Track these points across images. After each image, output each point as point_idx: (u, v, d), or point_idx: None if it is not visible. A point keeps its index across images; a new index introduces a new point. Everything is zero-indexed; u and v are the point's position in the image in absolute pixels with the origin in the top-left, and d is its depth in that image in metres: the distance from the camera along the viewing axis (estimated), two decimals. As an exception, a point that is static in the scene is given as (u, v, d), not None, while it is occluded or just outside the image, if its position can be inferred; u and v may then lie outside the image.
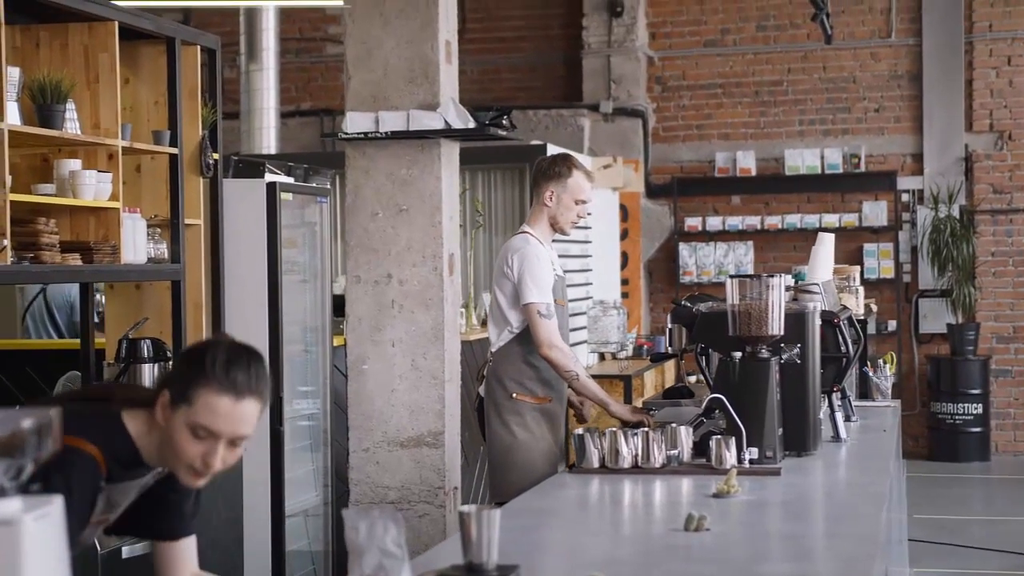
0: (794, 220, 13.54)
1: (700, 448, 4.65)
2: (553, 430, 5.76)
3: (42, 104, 5.33)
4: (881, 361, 6.85)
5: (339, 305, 6.88)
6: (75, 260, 5.42)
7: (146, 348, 5.82)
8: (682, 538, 3.46)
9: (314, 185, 7.90)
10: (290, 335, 7.20)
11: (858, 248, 13.40)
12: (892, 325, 13.36)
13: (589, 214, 6.09)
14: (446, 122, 5.89)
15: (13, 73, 5.25)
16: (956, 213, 13.19)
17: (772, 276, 4.73)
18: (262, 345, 6.90)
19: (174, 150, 6.15)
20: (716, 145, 13.92)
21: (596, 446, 4.57)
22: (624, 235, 13.18)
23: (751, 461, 4.55)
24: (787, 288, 5.10)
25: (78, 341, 6.27)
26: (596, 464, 4.56)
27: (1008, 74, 13.38)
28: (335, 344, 7.54)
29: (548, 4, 14.37)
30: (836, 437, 5.33)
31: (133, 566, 4.86)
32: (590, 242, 11.03)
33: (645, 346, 11.30)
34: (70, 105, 5.46)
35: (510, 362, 5.70)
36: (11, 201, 5.09)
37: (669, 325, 5.49)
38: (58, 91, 5.34)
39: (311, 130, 14.08)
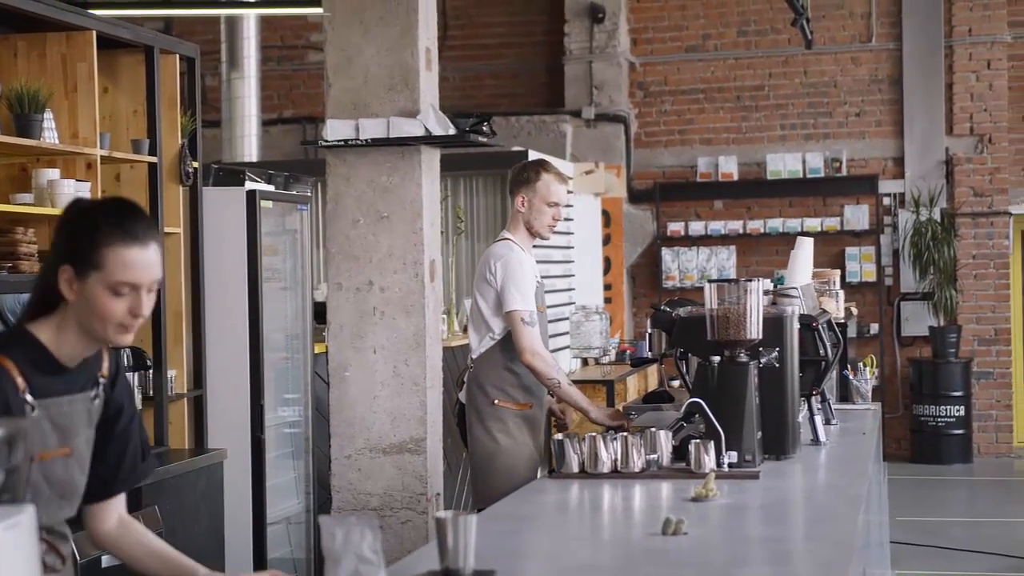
0: (776, 224, 13.57)
1: (680, 452, 4.65)
2: (534, 436, 5.79)
3: (20, 114, 5.33)
4: (861, 364, 6.86)
5: (320, 312, 6.88)
6: (54, 269, 5.41)
7: (126, 357, 5.80)
8: (660, 542, 3.47)
9: (294, 193, 7.90)
10: (271, 342, 7.20)
11: (840, 252, 13.43)
12: (874, 328, 13.39)
13: (570, 218, 6.11)
14: (426, 129, 5.90)
15: (-10, 83, 5.26)
16: (937, 216, 13.24)
17: (750, 280, 4.74)
18: (243, 352, 6.90)
19: (153, 159, 6.15)
20: (698, 150, 13.95)
21: (576, 451, 4.57)
22: (607, 240, 13.20)
23: (730, 465, 4.56)
24: (766, 292, 5.11)
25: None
26: (576, 469, 4.56)
27: (988, 78, 13.44)
28: (317, 351, 7.54)
29: (530, 11, 14.39)
30: (815, 440, 5.34)
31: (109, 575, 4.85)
32: (572, 247, 11.04)
33: (628, 351, 11.31)
34: (48, 115, 5.47)
35: (491, 368, 5.75)
36: (-11, 211, 5.10)
37: (649, 330, 5.50)
38: (36, 100, 5.35)
39: (293, 138, 14.08)
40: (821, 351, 5.38)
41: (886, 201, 13.61)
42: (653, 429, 4.70)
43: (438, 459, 6.11)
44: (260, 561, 6.97)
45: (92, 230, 2.83)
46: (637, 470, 4.53)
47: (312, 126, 13.94)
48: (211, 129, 11.54)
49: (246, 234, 6.86)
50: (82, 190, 5.59)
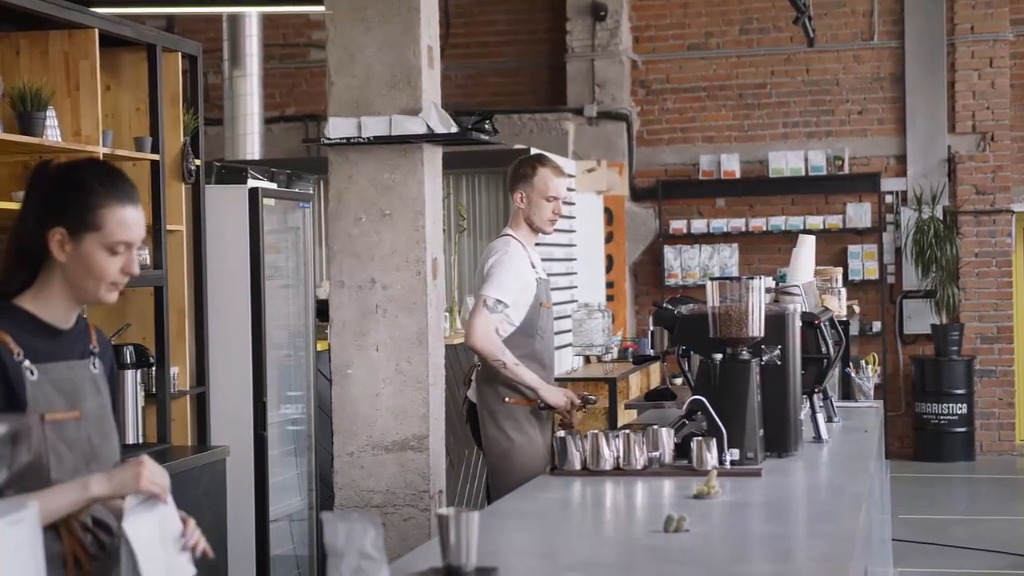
0: (778, 222, 13.57)
1: (682, 450, 4.66)
2: (543, 431, 5.83)
3: (23, 111, 5.34)
4: (863, 362, 6.87)
5: (323, 310, 6.89)
6: (56, 267, 5.41)
7: (129, 354, 5.81)
8: (662, 539, 3.47)
9: (296, 191, 7.90)
10: (274, 340, 7.21)
11: (842, 250, 13.43)
12: (876, 326, 13.39)
13: (572, 216, 6.09)
14: (428, 127, 5.90)
15: (-7, 81, 5.26)
16: (939, 214, 13.24)
17: (752, 278, 4.74)
18: (246, 350, 6.91)
19: (156, 157, 6.15)
20: (700, 148, 13.95)
21: (578, 448, 4.57)
22: (609, 238, 13.20)
23: (732, 462, 4.56)
24: (768, 290, 5.12)
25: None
26: (578, 466, 4.56)
27: (990, 76, 13.43)
28: (319, 349, 7.55)
29: (532, 9, 14.39)
30: (818, 438, 5.35)
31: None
32: (575, 245, 11.05)
33: (630, 348, 11.31)
34: (51, 112, 5.47)
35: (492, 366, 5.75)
36: (-8, 209, 5.10)
37: (651, 327, 5.50)
38: (38, 98, 5.35)
39: (295, 136, 14.09)
40: (823, 349, 5.38)
41: (888, 199, 13.60)
42: (655, 426, 4.70)
43: (441, 456, 6.11)
44: (262, 558, 6.98)
45: (87, 192, 2.91)
46: (639, 467, 4.53)
47: (314, 124, 13.94)
48: (213, 127, 11.54)
49: (248, 232, 6.87)
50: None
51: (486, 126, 6.21)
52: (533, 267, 5.88)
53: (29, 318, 2.94)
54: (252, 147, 11.90)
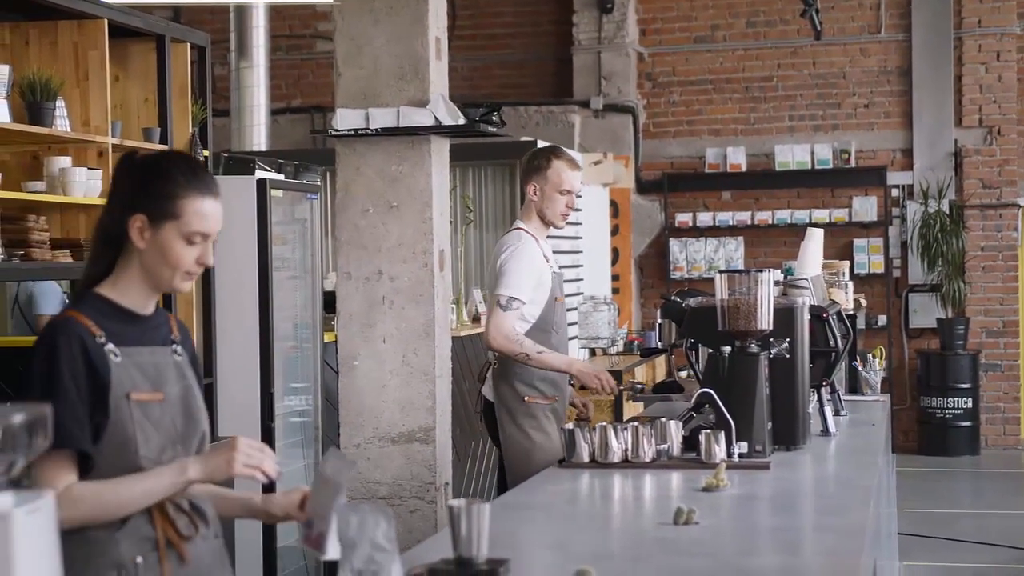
0: (784, 216, 13.57)
1: (690, 442, 4.66)
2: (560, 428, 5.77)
3: (32, 101, 5.34)
4: (870, 356, 6.87)
5: (330, 301, 6.89)
6: (65, 257, 5.42)
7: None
8: (671, 532, 3.47)
9: (304, 182, 7.91)
10: (281, 332, 7.21)
11: (848, 243, 13.43)
12: (882, 320, 13.39)
13: (579, 209, 6.02)
14: (436, 119, 5.89)
15: (3, 70, 5.25)
16: (946, 208, 13.23)
17: (761, 271, 4.73)
18: (253, 341, 6.92)
19: (164, 147, 6.15)
20: (706, 141, 13.95)
21: (586, 440, 4.57)
22: (615, 231, 13.20)
23: (740, 455, 4.56)
24: (776, 283, 5.11)
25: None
26: (586, 458, 4.56)
27: (997, 69, 13.42)
28: (326, 340, 7.55)
29: (538, 1, 14.39)
30: (825, 431, 5.34)
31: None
32: (581, 238, 11.05)
33: (636, 341, 11.31)
34: (60, 103, 5.47)
35: (517, 364, 5.66)
36: (1, 198, 5.10)
37: (659, 320, 5.50)
38: (48, 88, 5.35)
39: (302, 127, 14.09)
40: (831, 342, 5.38)
41: (894, 193, 13.60)
42: (663, 419, 4.70)
43: (447, 448, 6.11)
44: (268, 549, 6.98)
45: (169, 181, 2.98)
46: (647, 460, 4.53)
47: (320, 115, 13.95)
48: (220, 118, 11.53)
49: (256, 223, 6.87)
50: (94, 178, 5.60)
51: (494, 118, 6.21)
52: (547, 261, 5.81)
53: (108, 304, 3.01)
54: (259, 138, 11.90)
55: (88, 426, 2.90)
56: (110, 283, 3.03)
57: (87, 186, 5.56)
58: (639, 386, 5.75)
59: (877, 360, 6.83)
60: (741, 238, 13.73)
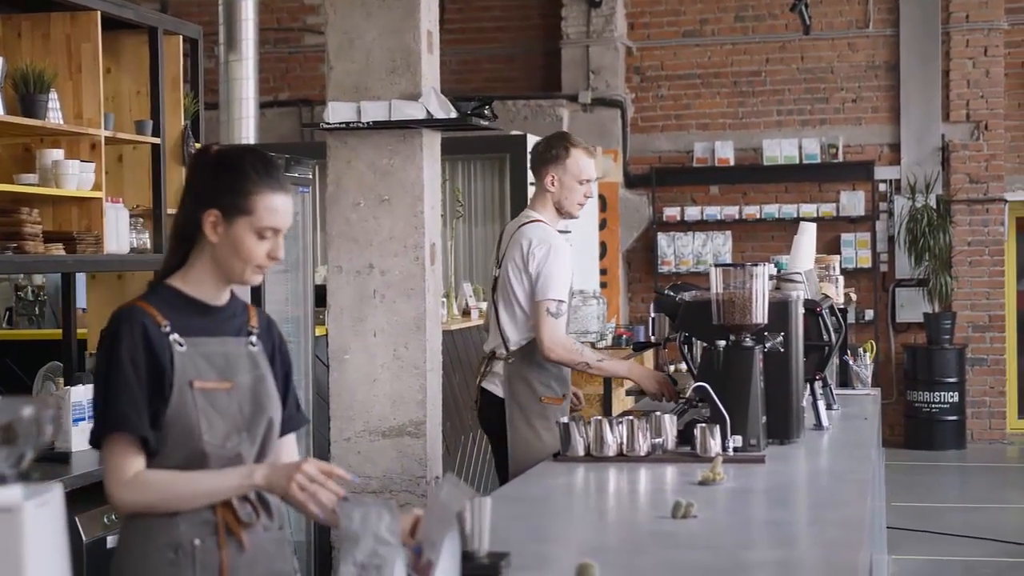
0: (772, 210, 13.59)
1: (684, 436, 4.66)
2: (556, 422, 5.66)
3: (25, 94, 5.32)
4: (861, 350, 6.88)
5: (321, 295, 6.87)
6: (58, 250, 5.40)
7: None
8: (670, 525, 3.48)
9: (295, 175, 7.88)
10: (272, 325, 7.17)
11: (835, 238, 13.45)
12: (869, 314, 13.42)
13: (591, 197, 5.82)
14: (428, 112, 5.89)
15: (-4, 63, 5.24)
16: (933, 203, 13.26)
17: (756, 265, 4.74)
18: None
19: (156, 140, 6.14)
20: (694, 135, 13.95)
21: (581, 434, 4.57)
22: (603, 225, 13.21)
23: (735, 449, 4.56)
24: (770, 277, 5.11)
25: (60, 332, 6.25)
26: (581, 452, 4.56)
27: (985, 64, 13.44)
28: (317, 334, 7.53)
29: (527, -6, 14.38)
30: (818, 425, 5.35)
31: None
32: (569, 231, 11.03)
33: (624, 335, 11.32)
34: (53, 95, 5.45)
35: (535, 361, 5.47)
36: (-6, 191, 5.09)
37: (652, 314, 5.48)
38: (41, 81, 5.33)
39: (289, 120, 14.07)
40: (825, 336, 5.38)
41: (882, 187, 13.62)
42: (658, 413, 4.71)
43: (437, 442, 6.11)
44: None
45: (242, 177, 3.02)
46: (642, 454, 4.53)
47: (308, 109, 13.93)
48: (208, 111, 11.49)
49: (247, 216, 6.83)
50: (87, 171, 5.59)
51: (485, 112, 6.21)
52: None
53: (179, 295, 3.07)
54: (247, 131, 11.80)
55: (146, 412, 2.97)
56: (181, 275, 3.09)
57: (80, 178, 5.54)
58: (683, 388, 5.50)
59: (868, 354, 6.84)
60: (729, 232, 13.74)
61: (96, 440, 3.02)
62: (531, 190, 10.52)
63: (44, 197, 5.52)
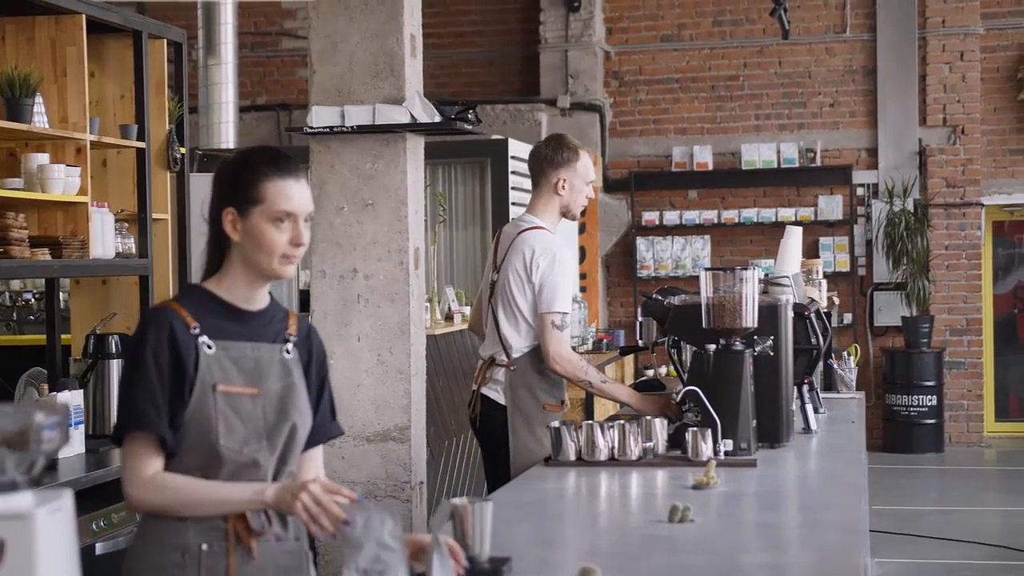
0: (751, 214, 13.61)
1: (674, 440, 4.66)
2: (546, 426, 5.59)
3: (10, 98, 5.28)
4: (845, 353, 6.89)
5: (304, 300, 6.86)
6: (44, 255, 5.37)
7: (114, 343, 5.76)
8: (666, 529, 3.47)
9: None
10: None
11: (814, 242, 13.48)
12: (847, 318, 13.45)
13: (591, 198, 5.75)
14: (412, 116, 5.88)
15: (-21, 67, 5.20)
16: (910, 207, 13.31)
17: (746, 269, 4.74)
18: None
19: (141, 144, 6.10)
20: (673, 140, 13.97)
21: (572, 439, 4.56)
22: (582, 229, 13.21)
23: (726, 453, 4.57)
24: (759, 280, 5.11)
25: (44, 337, 6.21)
26: (572, 457, 4.55)
27: (961, 69, 13.50)
28: (300, 339, 7.50)
29: (505, -1, 14.38)
30: (807, 429, 5.36)
31: (104, 562, 4.82)
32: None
33: (604, 340, 11.33)
34: (38, 99, 5.41)
35: (538, 369, 5.36)
36: (-23, 195, 5.05)
37: (639, 318, 5.47)
38: (27, 85, 5.29)
39: (267, 125, 14.03)
40: (813, 340, 5.39)
41: (860, 191, 13.67)
42: (647, 417, 4.71)
43: (422, 447, 6.10)
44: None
45: (249, 171, 3.06)
46: (634, 458, 4.53)
47: (286, 113, 13.90)
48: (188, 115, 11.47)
49: (231, 221, 6.81)
50: (72, 175, 5.55)
51: (469, 116, 6.20)
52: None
53: (212, 299, 3.09)
54: (227, 136, 11.81)
55: (166, 411, 2.98)
56: (216, 279, 3.11)
57: (65, 183, 5.50)
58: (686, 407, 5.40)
59: (852, 358, 6.86)
60: (707, 237, 13.77)
61: (117, 438, 3.05)
62: (513, 194, 10.59)
63: (29, 202, 5.48)
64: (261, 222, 3.03)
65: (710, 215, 13.71)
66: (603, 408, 9.94)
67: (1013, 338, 14.13)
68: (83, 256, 5.60)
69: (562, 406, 5.49)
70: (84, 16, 5.68)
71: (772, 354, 4.88)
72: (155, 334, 3.01)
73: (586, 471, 4.46)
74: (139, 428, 2.98)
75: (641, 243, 13.82)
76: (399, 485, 5.95)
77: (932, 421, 13.20)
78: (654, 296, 5.38)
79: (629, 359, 11.57)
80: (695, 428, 4.55)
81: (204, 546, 3.00)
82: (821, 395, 6.16)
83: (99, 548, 4.75)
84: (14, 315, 9.01)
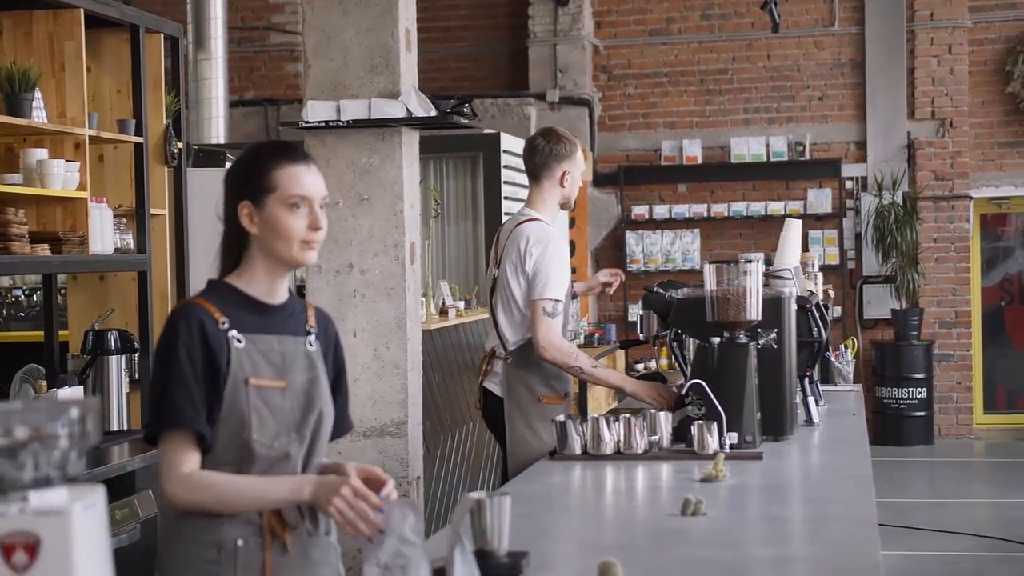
0: (740, 208, 13.62)
1: (678, 433, 4.66)
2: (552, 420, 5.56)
3: (9, 93, 5.25)
4: (843, 346, 6.90)
5: (300, 295, 6.83)
6: (44, 251, 5.34)
7: (113, 339, 5.74)
8: (680, 522, 3.47)
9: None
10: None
11: (803, 235, 13.44)
12: (837, 311, 13.47)
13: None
14: (408, 110, 5.86)
15: (-23, 61, 5.17)
16: (899, 200, 13.33)
17: (750, 261, 4.74)
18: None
19: (139, 139, 6.07)
20: (662, 134, 13.97)
21: (578, 433, 4.56)
22: (571, 223, 13.19)
23: (731, 446, 4.56)
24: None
25: (35, 334, 6.19)
26: (578, 451, 4.55)
27: (949, 62, 13.52)
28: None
29: (493, -7, 14.35)
30: (809, 421, 5.37)
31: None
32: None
33: (596, 334, 11.32)
34: (37, 94, 5.39)
35: (533, 361, 5.35)
36: (-24, 191, 5.02)
37: (640, 312, 5.46)
38: (26, 79, 5.27)
39: (255, 120, 13.99)
40: (815, 332, 5.39)
41: (849, 185, 13.68)
42: (652, 411, 4.70)
43: (418, 442, 6.09)
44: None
45: (259, 162, 3.06)
46: (639, 452, 4.52)
47: (274, 108, 13.86)
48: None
49: (226, 216, 6.79)
50: (71, 170, 5.52)
51: (465, 110, 6.19)
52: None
53: (236, 293, 3.08)
54: (217, 131, 11.77)
55: (203, 407, 2.97)
56: (237, 274, 3.10)
57: (65, 178, 5.47)
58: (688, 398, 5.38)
59: (850, 351, 6.87)
60: (697, 230, 13.77)
61: (152, 436, 3.03)
62: (506, 188, 10.57)
63: (28, 197, 5.46)
64: (277, 210, 3.02)
65: (699, 209, 13.71)
66: (596, 402, 9.94)
67: (1000, 331, 14.16)
68: (82, 252, 5.57)
69: (563, 399, 5.47)
70: (82, 10, 5.65)
71: (776, 347, 4.87)
72: (186, 330, 2.99)
73: (592, 465, 4.45)
74: (177, 425, 2.96)
75: (631, 237, 13.82)
76: (396, 480, 5.91)
77: (922, 413, 13.23)
78: (655, 289, 5.37)
79: (620, 354, 11.56)
80: (700, 421, 4.54)
81: (240, 542, 2.99)
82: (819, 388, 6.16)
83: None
84: (2, 311, 8.96)
